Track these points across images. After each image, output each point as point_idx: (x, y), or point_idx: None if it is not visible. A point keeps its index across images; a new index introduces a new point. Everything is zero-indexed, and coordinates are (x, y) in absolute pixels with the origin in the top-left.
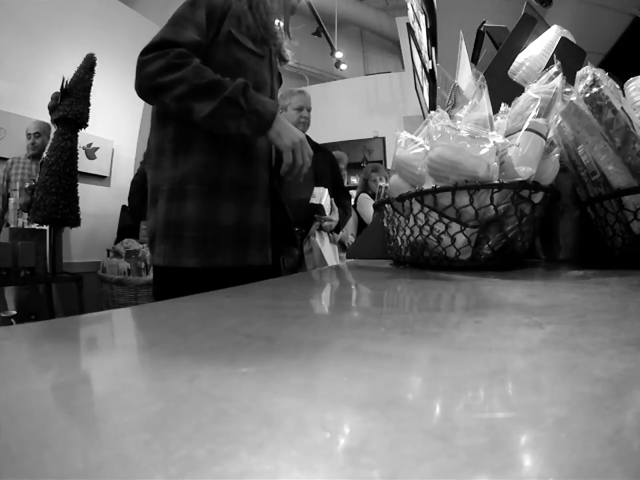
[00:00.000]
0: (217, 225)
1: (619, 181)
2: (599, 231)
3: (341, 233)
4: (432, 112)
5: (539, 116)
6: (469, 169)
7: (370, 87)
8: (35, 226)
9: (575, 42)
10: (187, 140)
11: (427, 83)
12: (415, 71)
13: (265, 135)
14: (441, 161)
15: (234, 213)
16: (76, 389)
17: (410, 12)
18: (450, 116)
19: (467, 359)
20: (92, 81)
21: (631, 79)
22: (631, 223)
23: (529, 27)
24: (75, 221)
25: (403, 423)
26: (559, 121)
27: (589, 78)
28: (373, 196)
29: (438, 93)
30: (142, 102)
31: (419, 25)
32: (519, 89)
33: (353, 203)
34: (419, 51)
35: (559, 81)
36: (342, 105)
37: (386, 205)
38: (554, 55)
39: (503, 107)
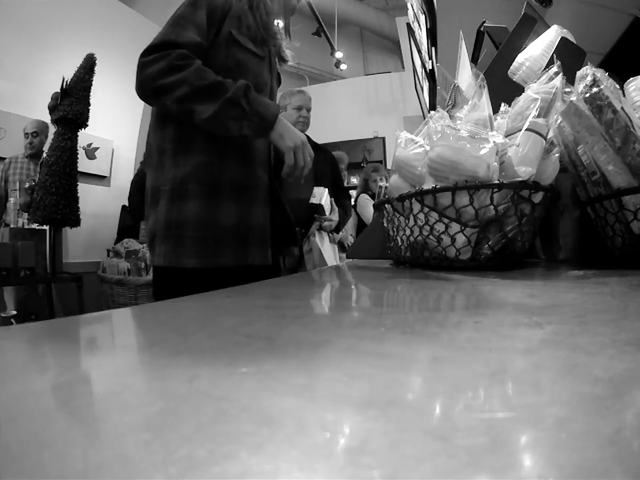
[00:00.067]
0: (218, 225)
1: (619, 181)
2: (599, 230)
3: (340, 233)
4: (432, 112)
5: (538, 116)
6: (469, 168)
7: (370, 86)
8: (34, 226)
9: (575, 42)
10: (188, 140)
11: (427, 83)
12: (414, 71)
13: (266, 136)
14: (440, 161)
15: (234, 213)
16: (76, 389)
17: (410, 12)
18: (450, 116)
19: (467, 359)
20: (92, 81)
21: (631, 78)
22: (630, 223)
23: (528, 26)
24: (75, 221)
25: (403, 423)
26: (559, 121)
27: (589, 78)
28: (373, 196)
29: (438, 92)
30: (142, 102)
31: (419, 25)
32: (518, 89)
33: (352, 204)
34: (419, 51)
35: (558, 81)
36: (342, 104)
37: (386, 205)
38: (554, 54)
39: (503, 107)
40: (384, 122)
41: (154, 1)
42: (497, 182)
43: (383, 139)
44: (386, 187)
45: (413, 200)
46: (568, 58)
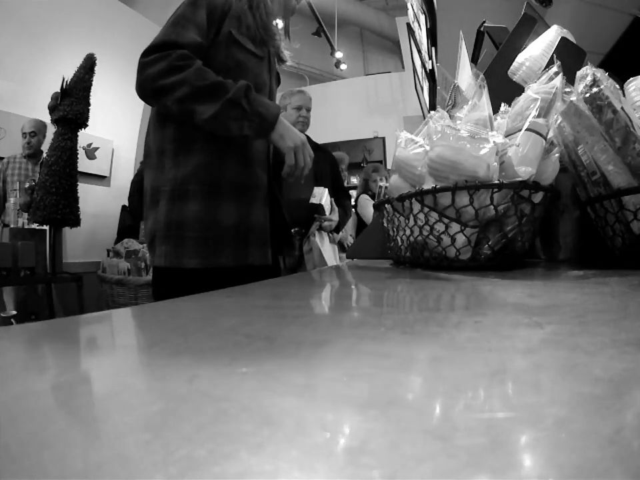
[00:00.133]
0: (218, 225)
1: (619, 181)
2: (599, 230)
3: (340, 233)
4: (432, 112)
5: (538, 116)
6: (469, 168)
7: (370, 86)
8: (34, 226)
9: (575, 42)
10: (188, 141)
11: (427, 83)
12: (414, 71)
13: (267, 137)
14: (440, 161)
15: (234, 213)
16: (76, 389)
17: (410, 12)
18: (450, 116)
19: (466, 359)
20: (92, 81)
21: (631, 78)
22: (630, 223)
23: (528, 26)
24: (75, 221)
25: (403, 423)
26: (559, 121)
27: (589, 78)
28: (373, 196)
29: (438, 92)
30: (142, 102)
31: (419, 25)
32: (518, 89)
33: (353, 204)
34: (419, 51)
35: (559, 80)
36: (342, 104)
37: (386, 205)
38: (554, 55)
39: (503, 107)
40: (384, 122)
41: (154, 1)
42: (497, 182)
43: (383, 138)
44: (386, 187)
45: (413, 200)
46: (568, 58)
